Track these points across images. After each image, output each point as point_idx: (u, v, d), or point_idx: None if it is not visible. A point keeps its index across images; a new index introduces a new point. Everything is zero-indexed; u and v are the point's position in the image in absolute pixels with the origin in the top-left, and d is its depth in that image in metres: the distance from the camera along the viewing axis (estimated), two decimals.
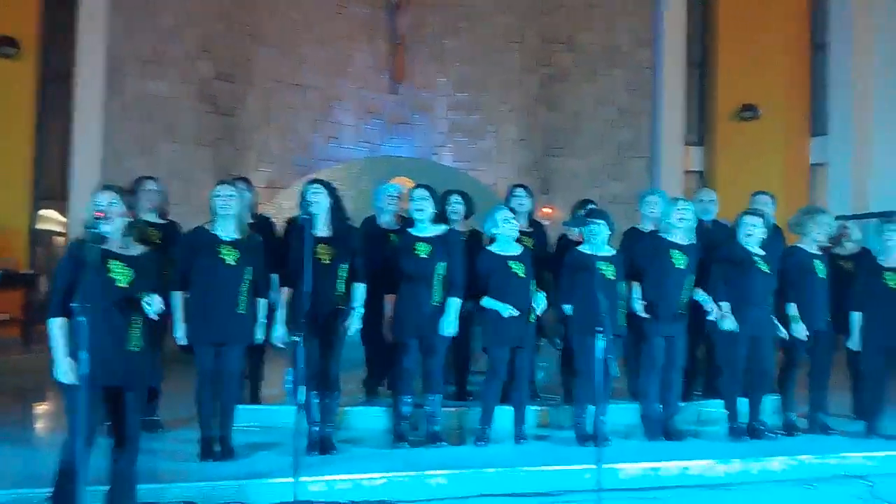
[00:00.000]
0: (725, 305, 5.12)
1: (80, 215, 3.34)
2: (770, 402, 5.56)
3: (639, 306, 5.08)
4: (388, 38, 12.62)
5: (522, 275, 4.92)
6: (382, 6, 12.60)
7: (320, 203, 4.55)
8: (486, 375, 5.04)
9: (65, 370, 3.17)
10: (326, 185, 4.65)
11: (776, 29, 12.69)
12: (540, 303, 4.97)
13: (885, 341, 5.27)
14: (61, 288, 3.24)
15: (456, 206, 5.54)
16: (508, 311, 4.82)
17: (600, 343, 3.99)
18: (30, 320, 9.11)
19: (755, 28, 12.61)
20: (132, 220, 3.42)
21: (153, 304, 3.30)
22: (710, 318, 5.14)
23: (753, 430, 5.23)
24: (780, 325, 5.25)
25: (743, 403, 5.27)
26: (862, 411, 5.70)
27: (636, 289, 5.15)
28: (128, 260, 3.35)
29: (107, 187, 3.45)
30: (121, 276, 3.30)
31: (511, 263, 4.93)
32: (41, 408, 6.12)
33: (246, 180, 5.49)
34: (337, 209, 4.63)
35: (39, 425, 5.80)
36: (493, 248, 5.05)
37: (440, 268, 4.81)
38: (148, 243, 4.63)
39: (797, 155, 12.66)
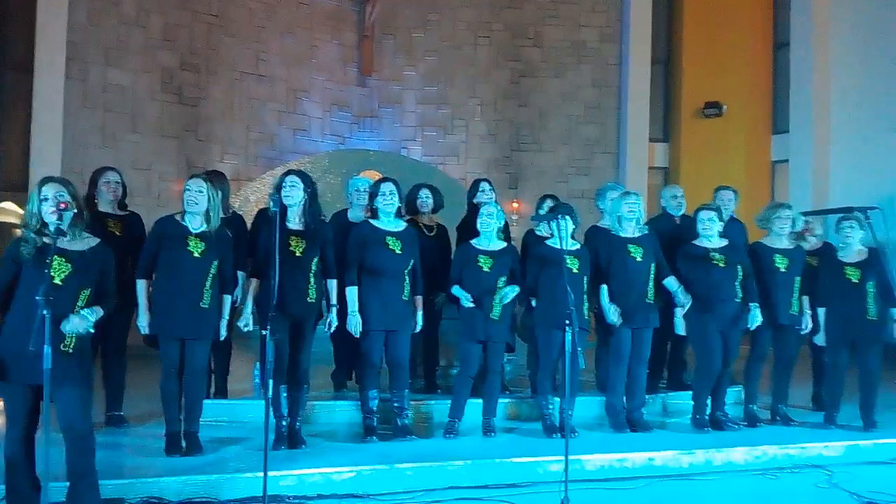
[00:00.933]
0: (679, 311, 5.24)
1: (24, 209, 3.29)
2: (732, 394, 5.67)
3: (613, 316, 5.12)
4: (356, 29, 12.56)
5: (487, 269, 4.95)
6: None
7: (295, 196, 4.51)
8: (459, 369, 5.09)
9: None
10: (304, 179, 4.59)
11: (740, 28, 12.89)
12: (507, 295, 4.96)
13: (848, 334, 5.39)
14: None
15: (426, 199, 5.57)
16: (466, 299, 4.87)
17: (569, 336, 4.03)
18: None
19: (719, 26, 12.81)
20: (77, 211, 3.33)
21: (77, 322, 3.24)
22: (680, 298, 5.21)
23: (716, 422, 5.34)
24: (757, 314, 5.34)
25: None
26: (821, 402, 5.84)
27: (604, 292, 5.20)
28: (69, 255, 3.28)
29: (50, 179, 3.39)
30: (56, 272, 3.22)
31: (480, 258, 4.97)
32: None
33: (221, 175, 5.42)
34: (312, 203, 4.58)
35: None
36: (474, 241, 5.09)
37: (411, 264, 4.84)
38: (106, 235, 4.63)
39: (759, 152, 12.89)
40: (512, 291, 4.98)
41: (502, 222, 5.16)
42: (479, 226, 5.05)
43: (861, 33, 11.87)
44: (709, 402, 5.37)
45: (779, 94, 12.90)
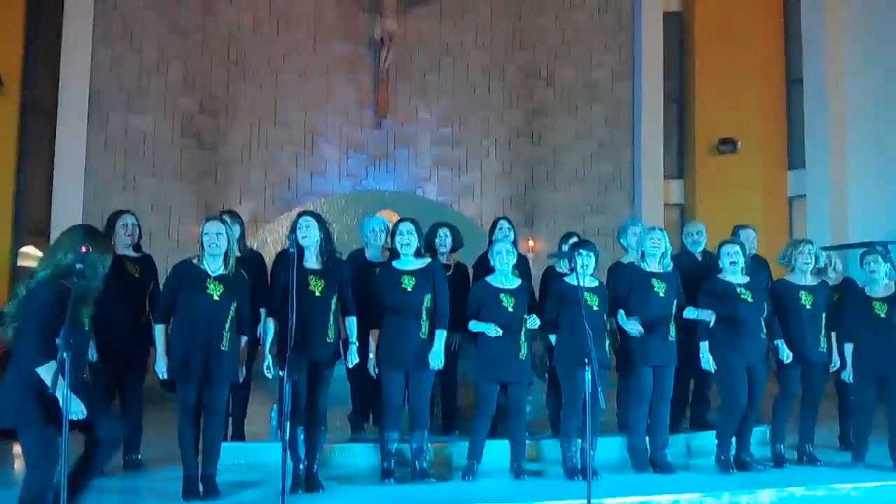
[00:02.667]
0: (704, 345, 5.14)
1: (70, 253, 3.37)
2: (756, 433, 5.56)
3: (631, 326, 5.04)
4: (371, 73, 12.74)
5: (512, 309, 4.91)
6: (364, 43, 12.74)
7: (312, 235, 4.55)
8: (476, 410, 5.00)
9: (79, 408, 3.23)
10: (318, 218, 4.64)
11: (752, 64, 12.95)
12: (533, 323, 4.92)
13: (877, 370, 5.29)
14: (49, 329, 3.25)
15: (444, 238, 5.58)
16: (493, 329, 4.80)
17: (588, 374, 3.98)
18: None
19: (731, 63, 12.86)
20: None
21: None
22: (706, 319, 5.10)
23: (741, 462, 5.22)
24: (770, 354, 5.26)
25: None
26: (848, 441, 5.71)
27: (621, 314, 5.14)
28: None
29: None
30: (86, 317, 3.44)
31: (502, 296, 4.93)
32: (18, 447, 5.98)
33: (234, 213, 5.47)
34: (327, 242, 4.62)
35: (16, 465, 5.65)
36: (489, 278, 5.06)
37: (427, 300, 4.81)
38: (125, 278, 4.82)
39: (775, 187, 12.84)
40: (535, 323, 4.93)
41: (514, 258, 5.13)
42: (496, 263, 5.02)
43: (874, 66, 11.89)
44: (733, 441, 5.26)
45: (793, 130, 12.89)
